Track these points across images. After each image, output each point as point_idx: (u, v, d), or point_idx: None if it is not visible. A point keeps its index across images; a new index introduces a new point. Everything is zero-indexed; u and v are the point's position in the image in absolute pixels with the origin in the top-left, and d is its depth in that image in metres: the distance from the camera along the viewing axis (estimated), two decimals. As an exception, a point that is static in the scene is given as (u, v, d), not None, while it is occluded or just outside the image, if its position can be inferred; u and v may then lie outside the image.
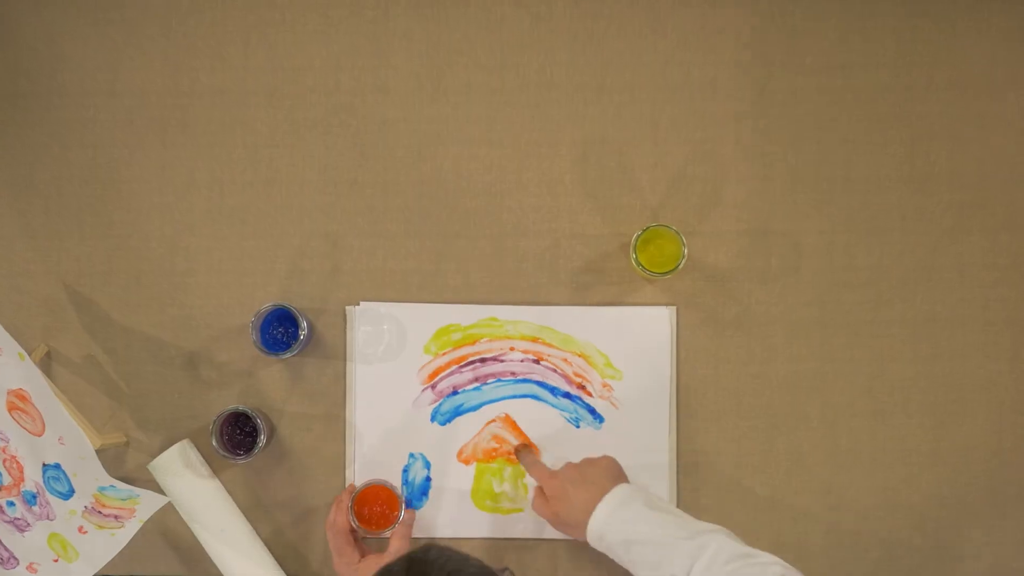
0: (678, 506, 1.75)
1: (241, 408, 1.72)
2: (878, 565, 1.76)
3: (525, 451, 1.71)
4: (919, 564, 1.76)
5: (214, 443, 1.71)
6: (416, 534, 1.74)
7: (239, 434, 1.74)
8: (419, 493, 1.77)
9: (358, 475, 1.76)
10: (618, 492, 1.57)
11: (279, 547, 1.77)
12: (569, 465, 1.63)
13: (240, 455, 1.72)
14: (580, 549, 1.72)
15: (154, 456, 1.76)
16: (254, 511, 1.77)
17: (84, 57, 1.80)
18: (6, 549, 1.56)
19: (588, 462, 1.63)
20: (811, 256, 1.78)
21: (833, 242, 1.78)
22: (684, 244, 1.70)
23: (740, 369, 1.77)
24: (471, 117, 1.79)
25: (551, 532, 1.73)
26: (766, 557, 1.46)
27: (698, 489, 1.76)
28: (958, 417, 1.77)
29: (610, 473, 1.61)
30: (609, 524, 1.55)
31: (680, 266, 1.70)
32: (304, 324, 1.71)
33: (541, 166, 1.79)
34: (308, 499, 1.77)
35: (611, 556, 1.57)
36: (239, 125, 1.80)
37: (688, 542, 1.50)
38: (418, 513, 1.75)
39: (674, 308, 1.76)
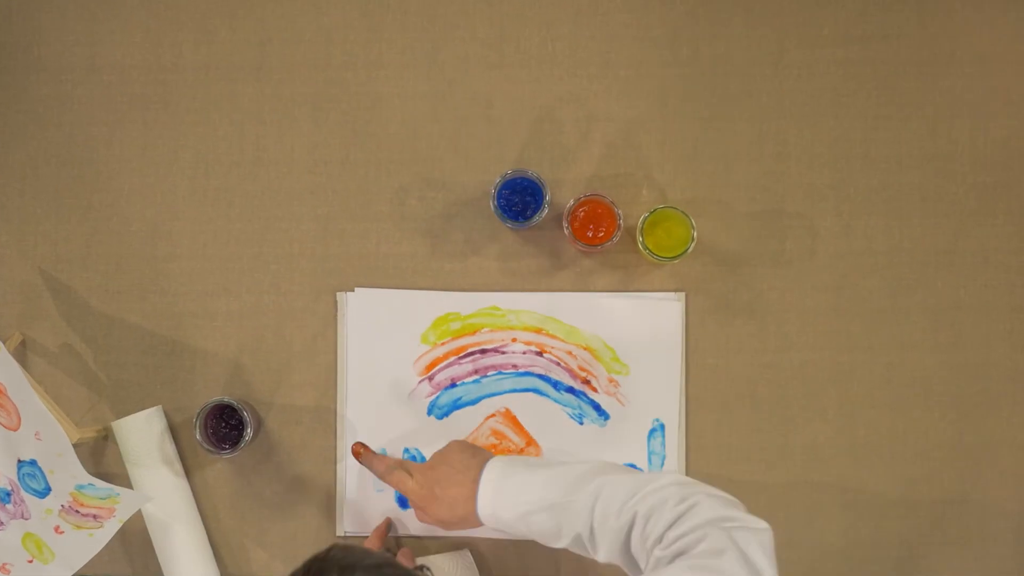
0: None
1: (226, 400, 1.69)
2: (899, 565, 1.74)
3: (368, 454, 1.66)
4: (941, 564, 1.74)
5: (198, 436, 1.68)
6: (413, 533, 1.74)
7: (224, 427, 1.70)
8: None
9: (349, 471, 1.75)
10: (494, 467, 1.54)
11: (267, 546, 1.76)
12: (421, 468, 1.60)
13: (225, 449, 1.68)
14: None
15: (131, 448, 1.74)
16: (239, 507, 1.76)
17: (61, 30, 1.79)
18: (-23, 549, 1.52)
19: (439, 456, 1.59)
20: (827, 239, 1.76)
21: (850, 225, 1.76)
22: (693, 227, 1.68)
23: (752, 359, 1.75)
24: (469, 93, 1.77)
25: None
26: (659, 480, 1.41)
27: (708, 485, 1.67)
28: (982, 409, 1.75)
29: (468, 453, 1.57)
30: (497, 503, 1.51)
31: (689, 250, 1.68)
32: None
33: (543, 144, 1.77)
34: (297, 495, 1.76)
35: (513, 533, 1.54)
36: (225, 102, 1.78)
37: (580, 495, 1.45)
38: (413, 512, 1.68)
39: (683, 295, 1.75)
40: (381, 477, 1.63)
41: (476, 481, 1.53)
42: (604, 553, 1.45)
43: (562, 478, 1.48)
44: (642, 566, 1.41)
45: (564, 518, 1.46)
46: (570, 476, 1.48)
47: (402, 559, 1.65)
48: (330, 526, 1.75)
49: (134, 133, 1.78)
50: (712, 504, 1.38)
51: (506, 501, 1.51)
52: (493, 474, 1.53)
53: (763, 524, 1.37)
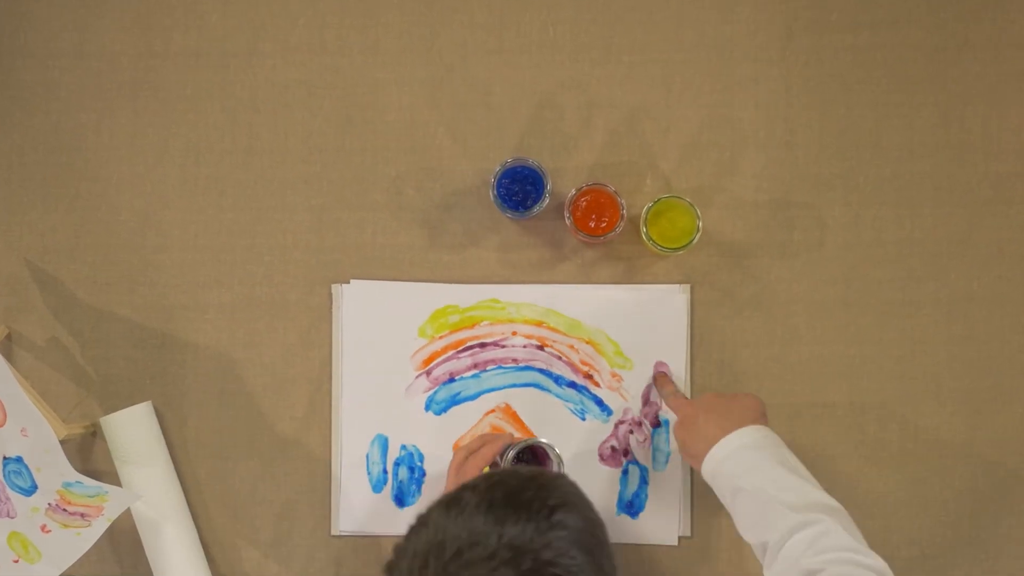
0: (689, 503, 1.74)
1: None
2: (909, 564, 1.72)
3: (664, 380, 1.70)
4: (953, 564, 1.73)
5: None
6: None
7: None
8: (410, 488, 1.74)
9: (344, 467, 1.74)
10: (747, 433, 1.51)
11: (260, 545, 1.75)
12: (711, 394, 1.60)
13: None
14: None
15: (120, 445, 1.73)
16: (231, 506, 1.75)
17: (49, 15, 1.78)
18: (-39, 548, 1.54)
19: (731, 395, 1.59)
20: (836, 230, 1.75)
21: (860, 215, 1.75)
22: (699, 217, 1.67)
23: (759, 352, 1.74)
24: (467, 80, 1.76)
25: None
26: (873, 561, 1.39)
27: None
28: (996, 405, 1.74)
29: (749, 412, 1.55)
30: (724, 464, 1.50)
31: (694, 241, 1.67)
32: None
33: (543, 132, 1.75)
34: (289, 493, 1.75)
35: (718, 497, 1.54)
36: (216, 89, 1.77)
37: (796, 514, 1.43)
38: (410, 510, 1.72)
39: (688, 287, 1.74)
40: (664, 398, 1.68)
41: (729, 432, 1.52)
42: (773, 574, 1.44)
43: (792, 487, 1.46)
44: None
45: (767, 518, 1.44)
46: (802, 492, 1.46)
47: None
48: (325, 525, 1.74)
49: (123, 121, 1.77)
50: None
51: (730, 468, 1.50)
52: (742, 439, 1.50)
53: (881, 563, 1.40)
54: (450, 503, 1.22)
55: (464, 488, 1.23)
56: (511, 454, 1.60)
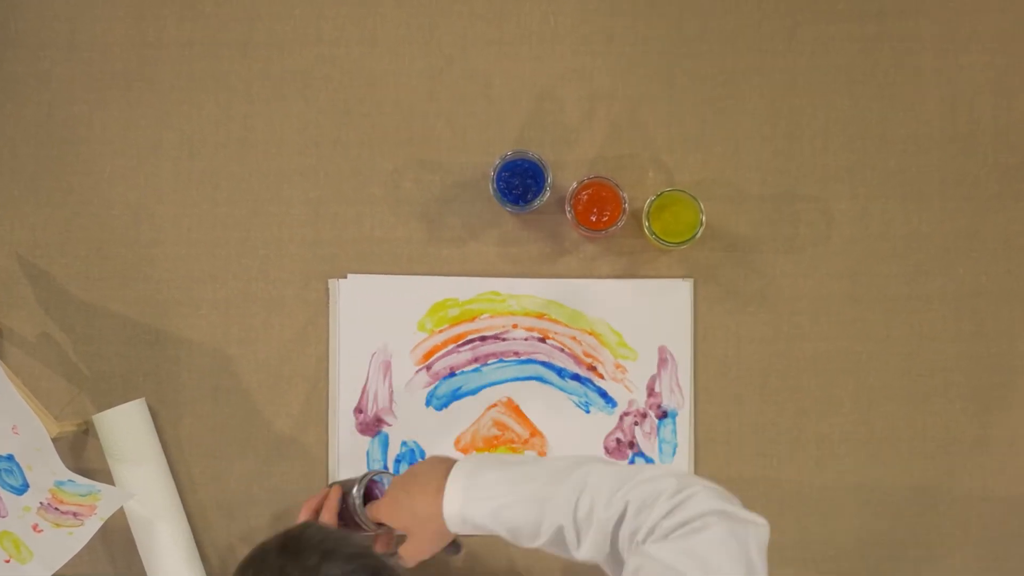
0: None
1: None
2: (917, 565, 1.73)
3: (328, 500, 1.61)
4: (962, 564, 1.73)
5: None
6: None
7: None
8: None
9: (341, 465, 1.74)
10: (462, 467, 1.47)
11: (254, 546, 1.66)
12: (392, 483, 1.55)
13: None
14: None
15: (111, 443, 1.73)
16: (227, 505, 1.74)
17: (40, 4, 1.78)
18: (-49, 548, 1.55)
19: (409, 469, 1.54)
20: (842, 223, 1.75)
21: (867, 208, 1.75)
22: (702, 211, 1.67)
23: (763, 348, 1.74)
24: (467, 71, 1.76)
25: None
26: (651, 471, 1.36)
27: (717, 480, 1.63)
28: (1005, 402, 1.73)
29: (437, 460, 1.51)
30: (468, 501, 1.44)
31: (698, 235, 1.67)
32: None
33: (544, 124, 1.75)
34: (285, 491, 1.75)
35: (482, 533, 1.47)
36: (211, 80, 1.77)
37: (561, 486, 1.39)
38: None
39: (691, 281, 1.74)
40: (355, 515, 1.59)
41: (443, 482, 1.47)
42: (587, 548, 1.39)
43: (541, 471, 1.43)
44: (625, 561, 1.36)
45: (544, 511, 1.40)
46: (549, 468, 1.43)
47: (380, 544, 1.60)
48: None
49: (116, 112, 1.77)
50: (710, 496, 1.34)
51: (477, 497, 1.44)
52: (461, 472, 1.46)
53: (762, 520, 1.34)
54: None
55: None
56: (356, 493, 1.58)
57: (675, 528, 1.31)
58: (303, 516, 1.60)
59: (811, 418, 1.73)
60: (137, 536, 1.70)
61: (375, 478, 1.61)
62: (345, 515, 1.60)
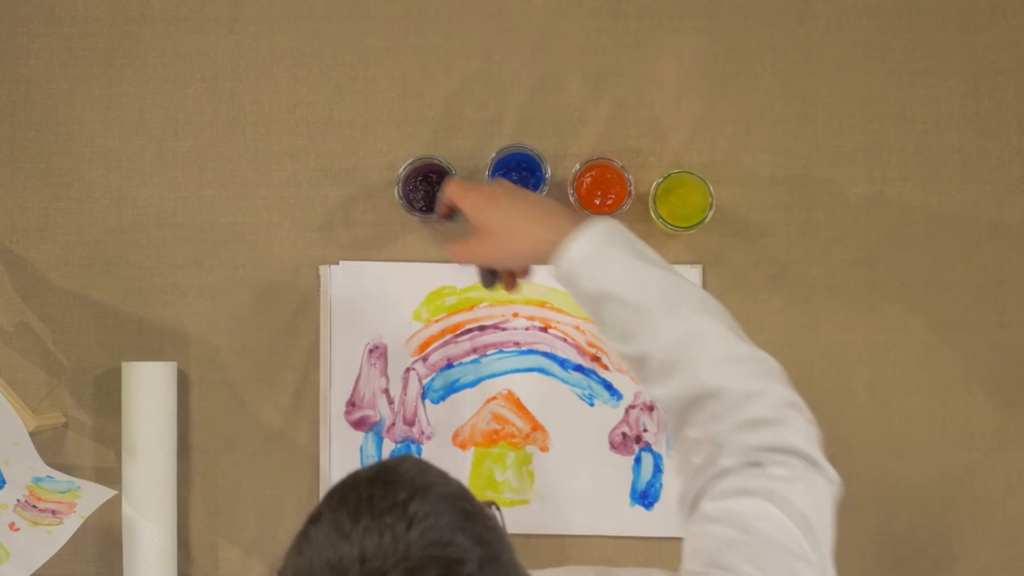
0: None
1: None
2: (936, 565, 1.73)
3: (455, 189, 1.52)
4: (985, 564, 1.73)
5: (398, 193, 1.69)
6: None
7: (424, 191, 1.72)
8: None
9: (333, 461, 1.74)
10: (600, 226, 1.39)
11: (243, 544, 1.75)
12: (494, 186, 1.48)
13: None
14: (590, 545, 1.74)
15: (97, 439, 1.75)
16: (213, 502, 1.75)
17: None
18: (-76, 547, 1.57)
19: (520, 192, 1.47)
20: (858, 207, 1.74)
21: (884, 191, 1.74)
22: (711, 194, 1.67)
23: (776, 338, 1.73)
24: (464, 47, 1.76)
25: (560, 527, 1.73)
26: (767, 361, 1.35)
27: None
28: None
29: (557, 203, 1.46)
30: (585, 266, 1.38)
31: (707, 219, 1.67)
32: None
33: (546, 103, 1.75)
34: (274, 488, 1.75)
35: (573, 298, 1.42)
36: (196, 56, 1.77)
37: (675, 321, 1.34)
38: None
39: (700, 268, 1.74)
40: (453, 196, 1.51)
41: (567, 228, 1.39)
42: (661, 392, 1.35)
43: (665, 286, 1.36)
44: (692, 435, 1.32)
45: (644, 326, 1.35)
46: (674, 286, 1.37)
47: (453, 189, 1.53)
48: None
49: (97, 91, 1.77)
50: (807, 434, 1.32)
51: (593, 271, 1.38)
52: (598, 233, 1.39)
53: (838, 478, 1.32)
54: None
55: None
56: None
57: (758, 450, 1.28)
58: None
59: (825, 411, 1.61)
60: (125, 516, 1.71)
61: None
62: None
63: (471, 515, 1.14)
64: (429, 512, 1.11)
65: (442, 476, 1.17)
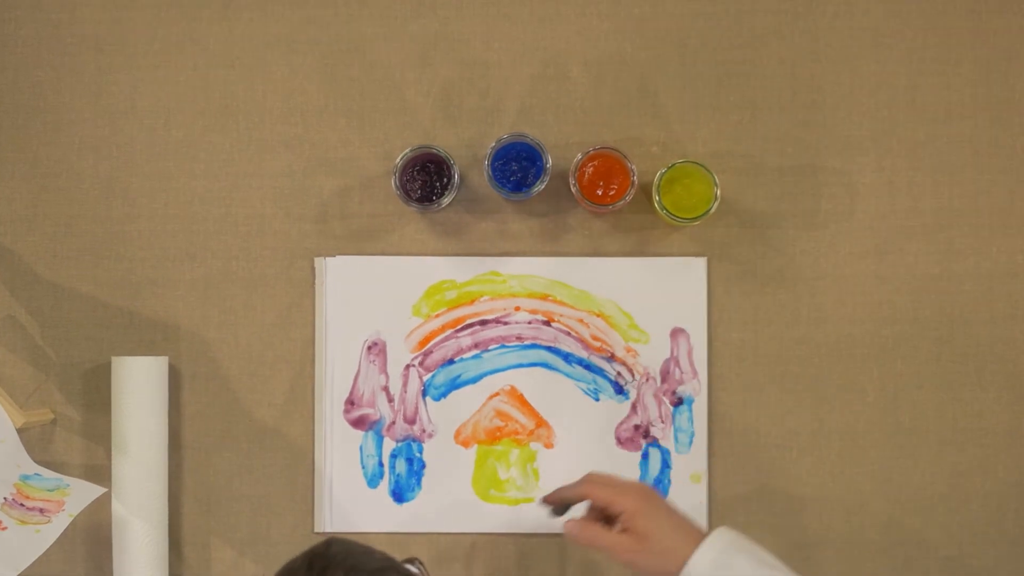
0: (709, 488, 1.73)
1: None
2: (947, 564, 1.71)
3: (561, 510, 1.61)
4: (996, 564, 1.72)
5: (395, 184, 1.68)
6: (408, 529, 1.74)
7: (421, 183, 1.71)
8: (410, 482, 1.74)
9: (334, 460, 1.73)
10: (719, 537, 1.49)
11: (236, 544, 1.73)
12: (638, 499, 1.54)
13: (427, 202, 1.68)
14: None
15: (87, 436, 1.73)
16: (205, 500, 1.73)
17: None
18: (-92, 546, 1.56)
19: (647, 506, 1.54)
20: (867, 198, 1.73)
21: (893, 181, 1.72)
22: (716, 184, 1.65)
23: (783, 332, 1.72)
24: (463, 33, 1.74)
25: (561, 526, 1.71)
26: None
27: (733, 474, 1.74)
28: None
29: (678, 514, 1.54)
30: (713, 572, 1.48)
31: (712, 210, 1.65)
32: None
33: (547, 91, 1.73)
34: (267, 486, 1.73)
35: None
36: (188, 43, 1.75)
37: None
38: (409, 506, 1.73)
39: (705, 260, 1.73)
40: (591, 543, 1.57)
41: (695, 541, 1.48)
42: None
43: None
44: None
45: None
46: None
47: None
48: (307, 521, 1.74)
49: (86, 79, 1.75)
50: None
51: (725, 564, 1.48)
52: (718, 544, 1.49)
53: None
54: None
55: None
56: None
57: None
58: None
59: (833, 407, 1.72)
60: (115, 514, 1.69)
61: None
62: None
63: None
64: None
65: (367, 552, 1.28)
